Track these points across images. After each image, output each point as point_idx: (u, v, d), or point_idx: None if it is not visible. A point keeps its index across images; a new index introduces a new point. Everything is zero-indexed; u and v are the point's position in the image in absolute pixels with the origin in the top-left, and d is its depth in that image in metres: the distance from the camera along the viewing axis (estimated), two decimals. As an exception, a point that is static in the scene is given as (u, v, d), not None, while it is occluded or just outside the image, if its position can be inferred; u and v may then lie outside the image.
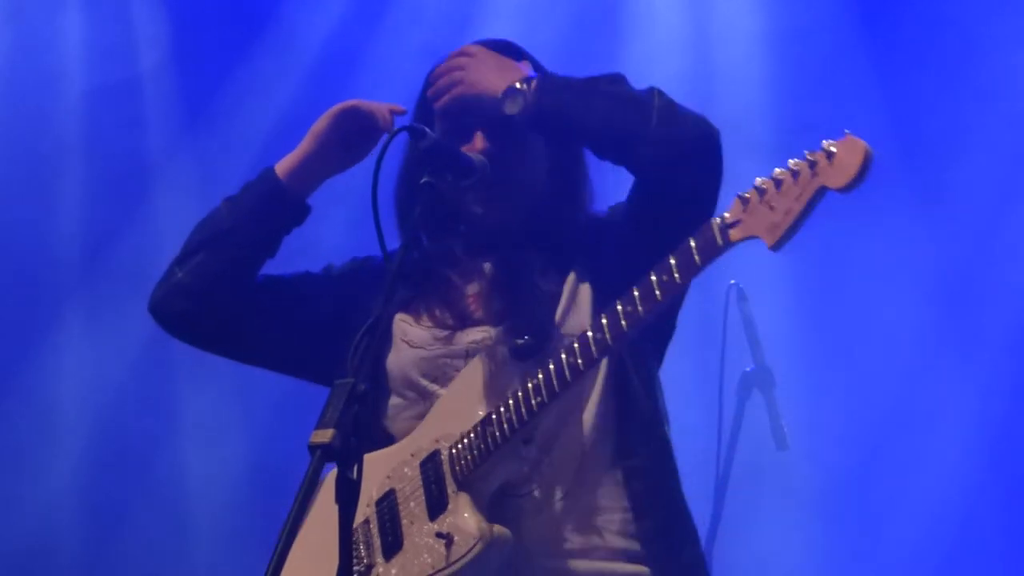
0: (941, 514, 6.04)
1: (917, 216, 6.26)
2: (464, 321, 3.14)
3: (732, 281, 5.51)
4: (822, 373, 6.24)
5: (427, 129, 3.06)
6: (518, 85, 3.10)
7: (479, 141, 3.15)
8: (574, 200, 3.25)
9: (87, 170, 6.56)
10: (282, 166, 3.28)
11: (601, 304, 3.02)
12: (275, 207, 3.26)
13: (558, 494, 2.98)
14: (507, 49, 3.27)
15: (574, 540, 2.97)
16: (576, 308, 3.08)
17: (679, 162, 3.02)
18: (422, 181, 2.98)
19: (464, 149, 3.12)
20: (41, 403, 6.45)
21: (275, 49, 6.67)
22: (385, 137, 3.06)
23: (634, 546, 2.99)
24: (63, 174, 6.56)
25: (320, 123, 3.26)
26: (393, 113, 3.22)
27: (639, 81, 3.16)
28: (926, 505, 6.07)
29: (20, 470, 6.37)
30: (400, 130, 3.09)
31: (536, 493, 2.98)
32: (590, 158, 3.25)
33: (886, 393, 6.19)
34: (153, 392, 6.45)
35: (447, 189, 3.03)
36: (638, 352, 3.08)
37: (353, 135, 3.23)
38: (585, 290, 3.10)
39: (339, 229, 5.62)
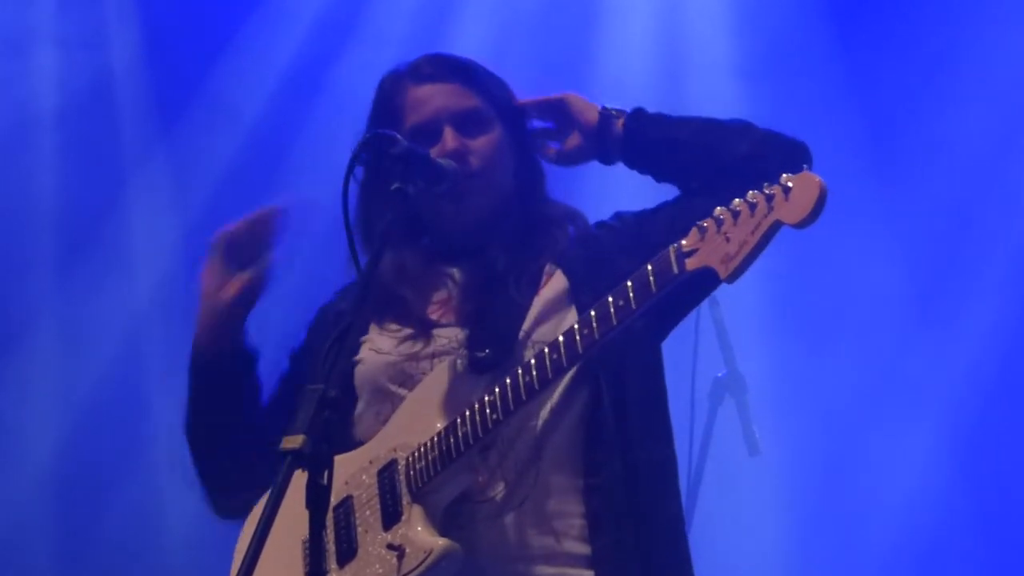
0: (913, 519, 6.07)
1: (889, 219, 6.28)
2: (431, 326, 3.11)
3: (704, 286, 5.51)
4: (794, 378, 6.25)
5: (397, 135, 3.02)
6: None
7: (450, 139, 3.13)
8: (540, 196, 3.23)
9: (61, 175, 6.54)
10: (200, 339, 3.16)
11: (582, 309, 3.00)
12: (219, 377, 3.16)
13: (516, 499, 2.96)
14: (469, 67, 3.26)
15: (532, 545, 2.95)
16: (549, 316, 3.05)
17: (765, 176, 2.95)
18: (393, 188, 2.93)
19: (433, 151, 3.08)
20: (16, 403, 6.43)
21: (248, 54, 6.67)
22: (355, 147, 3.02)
23: (589, 552, 2.96)
24: (37, 178, 6.54)
25: (208, 282, 3.14)
26: (269, 212, 3.16)
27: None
28: (898, 510, 6.09)
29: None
30: (371, 137, 3.07)
31: (495, 498, 2.96)
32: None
33: (858, 398, 6.22)
34: (125, 395, 6.43)
35: (418, 196, 2.99)
36: (619, 367, 3.03)
37: (245, 261, 3.14)
38: (562, 295, 3.08)
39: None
